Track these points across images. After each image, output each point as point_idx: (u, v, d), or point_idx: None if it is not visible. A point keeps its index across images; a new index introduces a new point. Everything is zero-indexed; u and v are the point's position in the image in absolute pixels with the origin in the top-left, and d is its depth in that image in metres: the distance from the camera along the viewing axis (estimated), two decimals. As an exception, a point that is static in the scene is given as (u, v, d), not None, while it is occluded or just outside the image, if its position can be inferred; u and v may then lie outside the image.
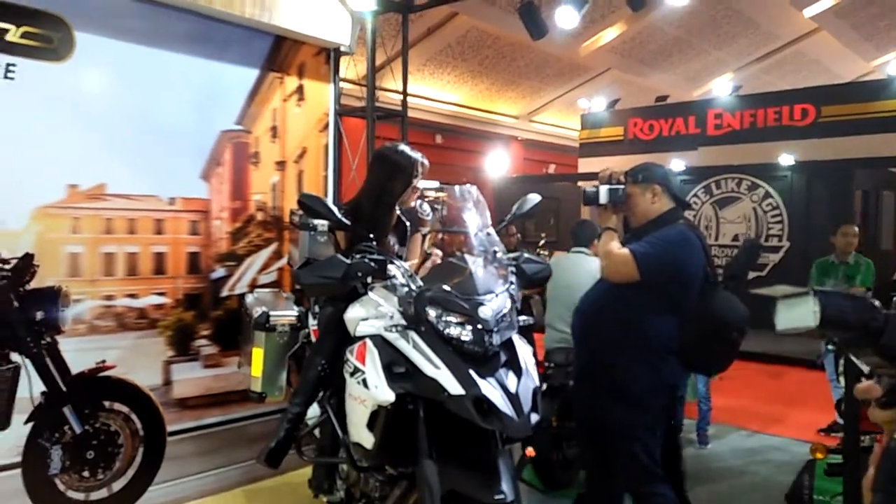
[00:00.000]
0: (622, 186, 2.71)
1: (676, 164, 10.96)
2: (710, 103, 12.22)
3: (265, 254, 4.27)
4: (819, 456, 3.13)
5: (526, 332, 2.47)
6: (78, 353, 3.32)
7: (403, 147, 2.96)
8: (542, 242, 8.85)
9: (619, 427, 2.64)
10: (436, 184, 3.05)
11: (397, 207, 2.91)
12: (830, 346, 3.88)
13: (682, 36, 13.44)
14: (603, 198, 2.71)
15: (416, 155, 2.92)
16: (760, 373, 5.25)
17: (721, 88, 13.28)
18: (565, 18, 4.99)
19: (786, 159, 10.11)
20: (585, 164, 12.87)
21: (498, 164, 13.43)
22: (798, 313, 1.28)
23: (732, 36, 13.80)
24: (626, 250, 2.60)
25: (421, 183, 2.94)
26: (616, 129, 12.90)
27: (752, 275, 9.93)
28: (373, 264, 2.42)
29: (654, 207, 2.73)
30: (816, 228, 9.62)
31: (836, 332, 1.31)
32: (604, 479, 2.85)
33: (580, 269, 3.90)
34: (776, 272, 9.80)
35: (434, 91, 13.12)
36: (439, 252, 2.89)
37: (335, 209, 2.68)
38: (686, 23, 12.90)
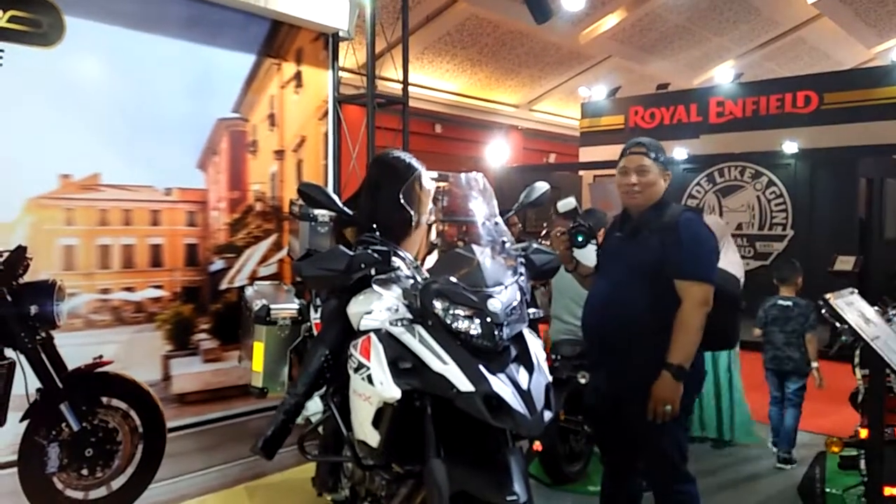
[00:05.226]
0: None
1: (679, 152, 10.87)
2: (712, 91, 12.11)
3: (265, 245, 4.17)
4: (835, 449, 3.07)
5: (531, 324, 2.39)
6: (74, 349, 3.24)
7: (398, 153, 2.88)
8: (543, 232, 8.75)
9: (650, 424, 2.49)
10: (434, 174, 2.96)
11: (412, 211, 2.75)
12: (844, 337, 3.81)
13: (683, 23, 13.31)
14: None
15: (412, 160, 2.83)
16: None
17: (722, 76, 13.17)
18: (571, 1, 4.86)
19: (789, 147, 10.02)
20: (586, 153, 12.77)
21: (498, 153, 13.31)
22: None
23: (734, 22, 13.67)
24: (701, 294, 2.47)
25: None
26: (617, 117, 12.78)
27: (755, 264, 9.90)
28: (376, 255, 2.34)
29: (659, 194, 2.65)
30: (820, 217, 9.55)
31: None
32: (626, 478, 2.78)
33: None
34: (780, 261, 9.73)
35: (433, 80, 13.00)
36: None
37: (336, 198, 2.60)
38: (687, 9, 12.77)
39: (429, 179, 2.79)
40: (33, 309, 3.01)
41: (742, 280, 4.54)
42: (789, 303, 4.41)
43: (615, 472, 2.81)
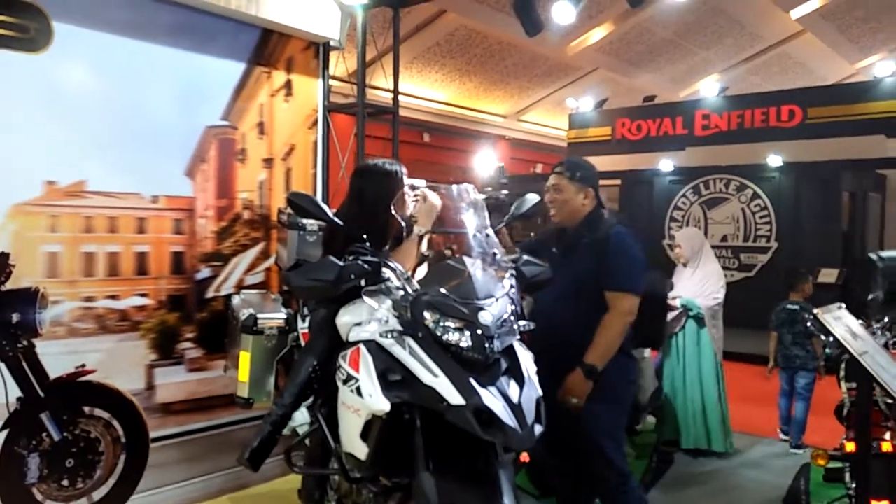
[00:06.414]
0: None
1: (664, 164, 10.96)
2: (698, 104, 12.24)
3: (252, 254, 4.14)
4: (821, 462, 3.09)
5: (521, 337, 2.41)
6: (56, 357, 3.19)
7: (380, 161, 2.88)
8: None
9: (595, 429, 2.67)
10: (423, 182, 2.95)
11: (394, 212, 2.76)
12: (828, 350, 3.85)
13: (670, 36, 13.45)
14: None
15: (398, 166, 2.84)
16: (757, 375, 5.24)
17: (708, 89, 13.31)
18: (561, 14, 4.89)
19: (773, 160, 10.14)
20: (573, 164, 12.81)
21: (486, 163, 13.35)
22: None
23: (719, 37, 13.84)
24: (626, 305, 2.63)
25: (410, 181, 2.83)
26: (604, 129, 12.88)
27: (740, 275, 9.98)
28: (366, 266, 2.32)
29: (584, 209, 2.80)
30: (804, 229, 9.65)
31: None
32: (580, 485, 2.89)
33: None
34: (764, 272, 9.82)
35: (422, 89, 13.03)
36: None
37: (325, 207, 2.58)
38: (673, 23, 12.91)
39: (407, 185, 2.78)
40: (15, 317, 2.97)
41: (723, 290, 4.59)
42: (796, 307, 4.88)
43: (572, 484, 2.96)
